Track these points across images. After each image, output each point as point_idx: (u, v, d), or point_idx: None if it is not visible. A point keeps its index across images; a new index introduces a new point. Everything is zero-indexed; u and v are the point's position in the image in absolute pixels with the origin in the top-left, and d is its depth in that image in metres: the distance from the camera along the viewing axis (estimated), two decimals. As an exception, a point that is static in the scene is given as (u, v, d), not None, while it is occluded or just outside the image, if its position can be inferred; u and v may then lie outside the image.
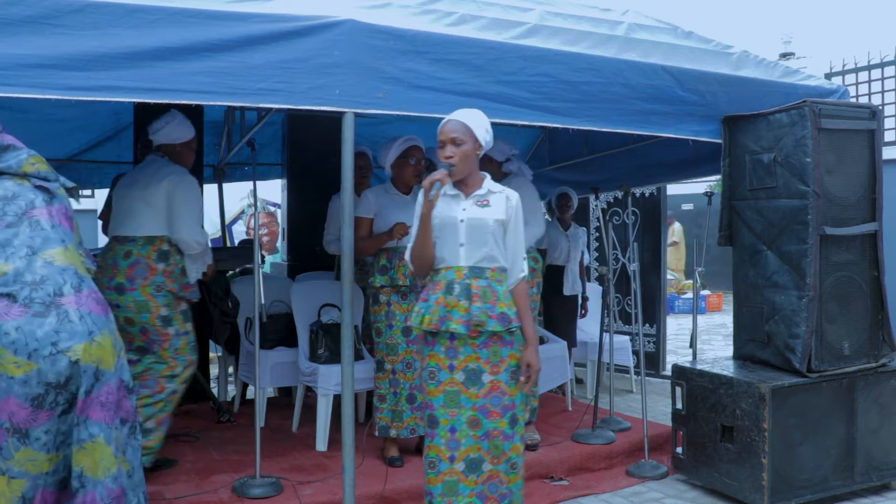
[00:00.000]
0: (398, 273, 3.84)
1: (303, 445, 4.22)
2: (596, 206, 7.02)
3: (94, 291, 2.39)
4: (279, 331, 4.68)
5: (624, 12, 3.75)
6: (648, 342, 6.76)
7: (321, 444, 4.16)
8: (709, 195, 5.31)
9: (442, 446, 2.64)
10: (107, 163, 6.08)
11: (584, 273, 6.02)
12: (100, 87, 2.56)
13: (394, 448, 3.95)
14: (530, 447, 4.07)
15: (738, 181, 3.91)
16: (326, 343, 4.24)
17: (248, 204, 11.07)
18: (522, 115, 3.34)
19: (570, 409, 5.16)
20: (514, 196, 2.78)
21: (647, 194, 6.74)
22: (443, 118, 2.84)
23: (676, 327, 10.37)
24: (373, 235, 3.92)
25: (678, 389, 3.89)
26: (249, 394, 5.35)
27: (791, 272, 3.63)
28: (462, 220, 2.68)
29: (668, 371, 5.37)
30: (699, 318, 5.71)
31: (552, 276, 5.40)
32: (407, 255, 2.77)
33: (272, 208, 9.72)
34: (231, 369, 5.42)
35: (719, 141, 3.93)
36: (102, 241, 5.38)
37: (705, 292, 12.93)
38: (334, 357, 4.15)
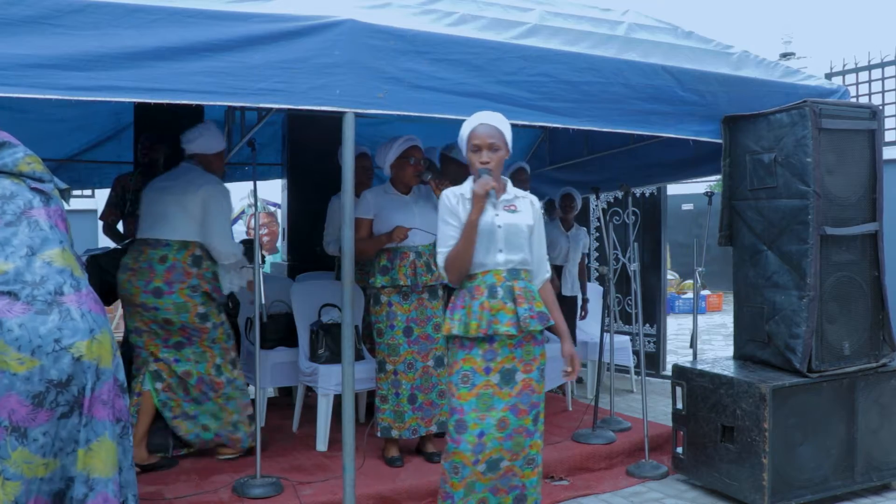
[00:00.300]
0: (399, 273, 3.84)
1: (303, 445, 4.22)
2: (596, 206, 7.01)
3: (92, 291, 2.41)
4: (279, 331, 4.69)
5: (624, 12, 3.75)
6: (649, 342, 6.76)
7: (321, 444, 4.16)
8: (709, 195, 5.31)
9: (468, 452, 2.63)
10: (107, 163, 6.08)
11: (585, 274, 6.02)
12: (100, 87, 2.56)
13: (394, 448, 3.95)
14: None
15: (739, 181, 3.91)
16: (327, 343, 4.24)
17: (248, 204, 11.08)
18: (522, 115, 3.33)
19: (571, 409, 5.16)
20: (535, 201, 2.86)
21: (647, 194, 6.74)
22: (443, 118, 2.84)
23: (676, 327, 10.37)
24: (372, 237, 3.92)
25: (678, 389, 3.89)
26: (250, 393, 5.34)
27: (791, 272, 3.63)
28: (500, 226, 2.69)
29: (668, 371, 5.37)
30: (699, 318, 5.71)
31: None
32: (441, 261, 2.71)
33: (272, 208, 9.74)
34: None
35: (719, 141, 3.93)
36: (103, 241, 5.40)
37: (705, 292, 12.93)
38: (334, 357, 4.15)
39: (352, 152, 3.00)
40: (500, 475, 2.68)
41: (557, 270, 5.53)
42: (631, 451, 4.30)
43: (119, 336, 5.84)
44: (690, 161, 4.90)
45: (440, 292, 4.00)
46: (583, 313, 5.91)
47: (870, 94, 6.26)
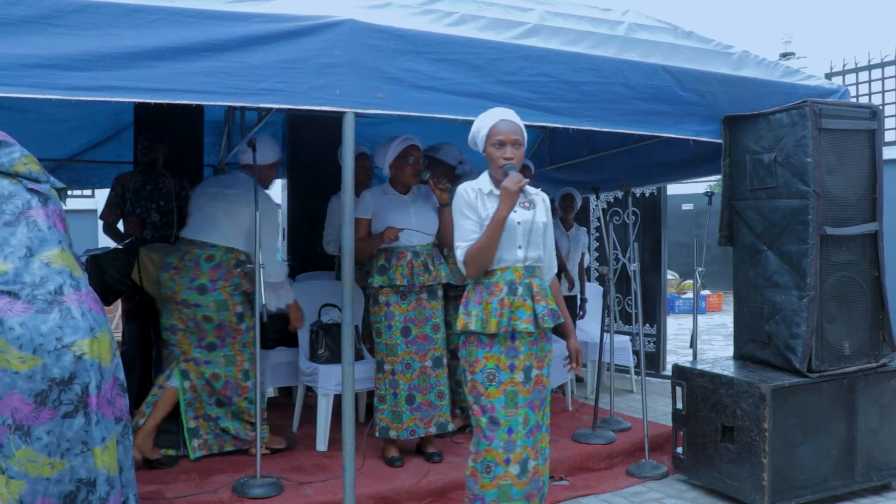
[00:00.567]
0: (396, 273, 3.84)
1: (303, 445, 4.22)
2: (596, 206, 7.02)
3: (91, 291, 2.42)
4: (279, 331, 4.68)
5: (624, 12, 3.75)
6: (649, 342, 6.76)
7: (321, 444, 4.16)
8: (709, 195, 5.31)
9: (500, 449, 2.64)
10: (107, 163, 6.08)
11: (584, 274, 6.02)
12: (100, 87, 2.57)
13: (394, 448, 3.95)
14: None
15: (739, 181, 3.91)
16: (327, 343, 4.24)
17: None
18: (523, 115, 3.29)
19: (571, 408, 5.16)
20: (546, 198, 2.87)
21: (647, 194, 6.74)
22: (444, 118, 2.84)
23: (676, 327, 10.37)
24: (370, 237, 3.92)
25: (678, 389, 3.89)
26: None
27: (791, 272, 3.63)
28: (519, 223, 2.70)
29: (668, 371, 5.37)
30: (699, 318, 5.71)
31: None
32: (462, 254, 2.68)
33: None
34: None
35: (719, 141, 3.93)
36: (103, 241, 5.40)
37: (705, 292, 12.94)
38: (334, 357, 4.15)
39: (352, 152, 2.99)
40: (531, 478, 2.70)
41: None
42: (631, 451, 4.30)
43: (119, 336, 5.86)
44: (690, 161, 4.90)
45: (439, 293, 4.00)
46: (581, 312, 5.91)
47: (870, 94, 6.26)
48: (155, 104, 2.72)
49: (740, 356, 3.96)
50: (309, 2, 2.95)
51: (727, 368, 3.76)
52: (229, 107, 4.51)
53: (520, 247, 2.70)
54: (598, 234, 7.00)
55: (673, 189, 8.71)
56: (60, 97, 2.52)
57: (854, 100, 5.61)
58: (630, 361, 6.23)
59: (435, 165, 4.36)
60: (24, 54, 2.45)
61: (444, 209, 3.90)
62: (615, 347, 4.72)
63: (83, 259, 2.73)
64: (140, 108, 5.00)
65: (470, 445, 2.76)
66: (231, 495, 3.44)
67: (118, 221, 5.05)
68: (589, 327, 5.97)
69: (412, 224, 3.88)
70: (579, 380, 6.32)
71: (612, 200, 7.07)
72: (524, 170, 5.05)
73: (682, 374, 3.88)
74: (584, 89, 3.44)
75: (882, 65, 6.20)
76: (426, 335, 3.90)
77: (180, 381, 3.87)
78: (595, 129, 3.58)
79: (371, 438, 4.04)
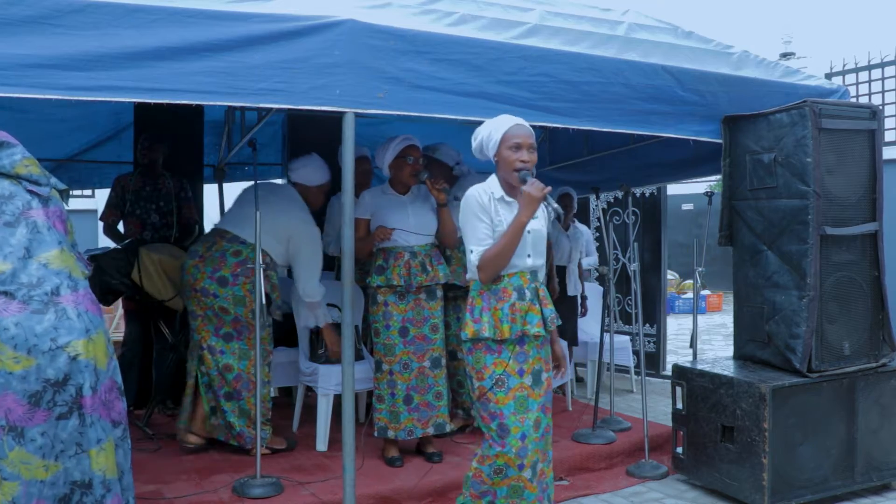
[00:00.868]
0: (393, 273, 3.84)
1: (303, 445, 4.22)
2: (596, 206, 7.02)
3: (89, 292, 2.41)
4: (279, 331, 4.69)
5: (624, 12, 3.75)
6: (649, 342, 6.76)
7: (321, 444, 4.16)
8: (709, 195, 5.31)
9: (512, 455, 2.63)
10: (107, 163, 6.08)
11: (582, 272, 6.02)
12: (100, 87, 2.57)
13: (394, 448, 3.95)
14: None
15: (739, 181, 3.91)
16: (326, 343, 4.24)
17: (248, 204, 11.06)
18: (522, 115, 3.28)
19: (571, 408, 5.16)
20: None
21: (647, 194, 6.74)
22: (444, 118, 2.84)
23: (676, 327, 10.37)
24: (368, 237, 3.93)
25: (678, 389, 3.89)
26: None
27: (791, 272, 3.63)
28: (529, 232, 2.70)
29: (668, 371, 5.37)
30: (699, 318, 5.71)
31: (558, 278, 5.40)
32: (476, 258, 2.65)
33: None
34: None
35: (719, 141, 3.93)
36: (103, 241, 5.41)
37: (705, 292, 12.94)
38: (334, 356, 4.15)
39: (352, 152, 2.99)
40: (538, 480, 2.70)
41: (561, 271, 5.52)
42: (631, 451, 4.30)
43: (119, 336, 5.86)
44: (690, 161, 4.89)
45: (438, 293, 3.99)
46: (583, 310, 5.91)
47: (870, 94, 6.26)
48: (155, 104, 2.72)
49: (740, 356, 3.96)
50: (309, 2, 2.95)
51: (727, 368, 3.76)
52: (229, 107, 4.51)
53: (529, 255, 2.72)
54: (598, 234, 7.00)
55: (673, 189, 8.71)
56: (60, 97, 2.52)
57: (854, 100, 5.61)
58: (630, 361, 6.23)
59: (433, 165, 4.36)
60: (24, 54, 2.45)
61: (442, 209, 3.90)
62: (615, 347, 4.72)
63: (86, 257, 2.73)
64: (140, 108, 5.01)
65: (476, 447, 2.75)
66: (231, 495, 3.44)
67: (118, 222, 5.05)
68: (589, 327, 5.97)
69: (410, 224, 3.88)
70: (579, 380, 6.32)
71: (612, 200, 7.07)
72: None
73: (682, 374, 3.88)
74: (584, 89, 3.44)
75: (882, 65, 6.20)
76: (424, 335, 3.90)
77: (198, 368, 3.96)
78: (595, 129, 3.58)
79: (371, 438, 4.04)
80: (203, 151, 5.64)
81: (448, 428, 4.00)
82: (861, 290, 3.75)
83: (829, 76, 6.28)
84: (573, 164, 5.82)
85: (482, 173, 4.05)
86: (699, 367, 3.83)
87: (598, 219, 6.87)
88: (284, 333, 4.69)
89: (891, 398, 3.79)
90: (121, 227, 5.08)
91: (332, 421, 4.17)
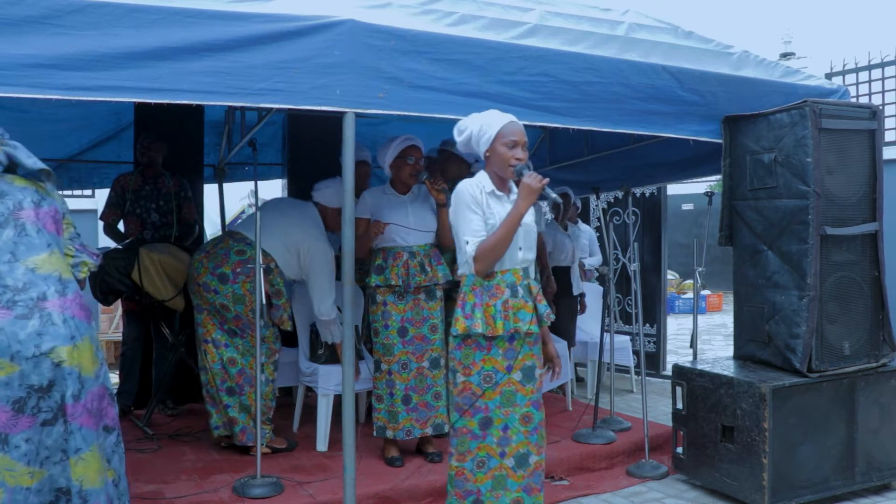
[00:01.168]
0: (392, 273, 3.84)
1: (303, 445, 4.22)
2: (596, 206, 7.02)
3: (79, 296, 2.37)
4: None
5: (624, 12, 3.75)
6: (649, 342, 6.76)
7: (322, 444, 4.16)
8: (709, 195, 5.31)
9: (493, 444, 2.66)
10: (107, 163, 6.08)
11: (583, 271, 6.02)
12: (100, 87, 2.56)
13: (394, 448, 3.95)
14: None
15: (739, 181, 3.91)
16: (326, 343, 4.24)
17: (248, 204, 11.08)
18: (523, 115, 3.32)
19: (571, 408, 5.16)
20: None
21: (647, 194, 6.75)
22: (444, 118, 2.84)
23: (676, 327, 10.38)
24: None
25: (678, 389, 3.89)
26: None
27: (791, 272, 3.63)
28: (520, 225, 2.71)
29: (668, 371, 5.38)
30: (699, 318, 5.71)
31: (559, 278, 5.40)
32: (472, 249, 2.66)
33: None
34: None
35: (720, 141, 3.93)
36: (103, 240, 5.41)
37: (705, 292, 12.94)
38: (334, 357, 4.15)
39: (352, 152, 2.99)
40: (532, 472, 2.70)
41: (565, 271, 5.51)
42: (631, 450, 4.30)
43: (119, 336, 5.85)
44: (690, 161, 4.89)
45: (438, 293, 3.99)
46: (581, 308, 5.91)
47: (870, 94, 6.26)
48: (155, 104, 2.71)
49: (740, 356, 3.96)
50: (309, 2, 2.95)
51: (727, 368, 3.76)
52: (229, 107, 4.51)
53: (520, 248, 2.73)
54: (598, 234, 7.00)
55: (673, 189, 8.71)
56: (60, 97, 2.52)
57: (854, 100, 5.61)
58: (630, 361, 6.23)
59: (451, 161, 4.32)
60: (24, 54, 2.45)
61: (441, 210, 3.90)
62: (615, 347, 4.72)
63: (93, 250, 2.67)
64: (140, 108, 5.00)
65: (451, 448, 2.74)
66: (231, 495, 3.44)
67: (118, 222, 5.05)
68: (589, 327, 5.97)
69: (411, 224, 3.88)
70: (579, 380, 6.32)
71: (612, 200, 7.07)
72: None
73: (682, 374, 3.88)
74: (584, 89, 3.44)
75: (882, 65, 6.20)
76: (423, 336, 3.90)
77: (201, 362, 4.02)
78: (595, 129, 3.57)
79: (371, 438, 4.04)
80: (203, 151, 5.64)
81: (447, 428, 3.99)
82: (861, 290, 3.75)
83: (829, 76, 6.27)
84: (573, 164, 5.82)
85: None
86: (699, 367, 3.83)
87: (598, 219, 6.87)
88: (284, 333, 4.68)
89: (891, 398, 3.79)
90: (121, 226, 5.07)
91: (331, 421, 4.17)
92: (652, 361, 6.66)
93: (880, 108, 4.18)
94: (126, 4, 2.58)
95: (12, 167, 2.45)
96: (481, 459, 2.67)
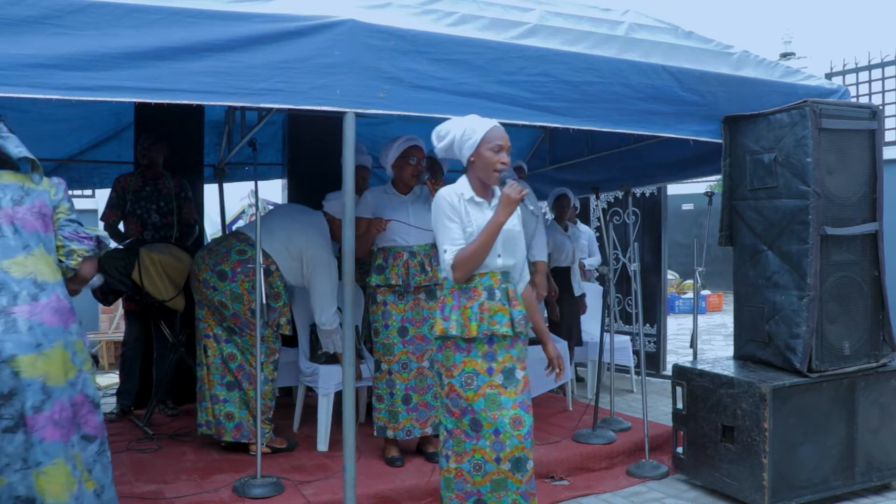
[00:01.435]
0: (392, 273, 3.85)
1: (303, 445, 4.22)
2: (596, 206, 7.02)
3: (56, 300, 2.28)
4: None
5: (624, 12, 3.75)
6: (649, 342, 6.76)
7: (322, 444, 4.16)
8: (709, 195, 5.31)
9: (487, 448, 2.65)
10: (107, 163, 6.08)
11: (584, 271, 6.01)
12: (100, 87, 2.56)
13: (394, 448, 3.95)
14: None
15: (739, 181, 3.91)
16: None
17: (248, 204, 11.09)
18: (523, 115, 3.33)
19: (571, 408, 5.16)
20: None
21: (647, 194, 6.75)
22: (444, 118, 2.83)
23: (677, 327, 10.38)
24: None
25: (679, 389, 3.89)
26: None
27: (791, 272, 3.63)
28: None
29: (668, 371, 5.38)
30: (699, 318, 5.71)
31: (560, 278, 5.40)
32: (451, 258, 2.66)
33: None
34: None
35: (720, 141, 3.93)
36: (103, 241, 5.39)
37: (705, 292, 12.94)
38: (334, 357, 4.15)
39: (352, 152, 2.99)
40: (529, 478, 2.70)
41: (566, 272, 5.51)
42: (631, 450, 4.30)
43: (119, 336, 5.85)
44: (690, 161, 4.90)
45: (438, 293, 3.99)
46: (581, 308, 5.91)
47: (870, 94, 6.26)
48: (155, 104, 2.72)
49: (740, 356, 3.96)
50: (309, 2, 2.95)
51: (727, 368, 3.76)
52: (229, 107, 4.51)
53: (499, 255, 2.73)
54: (598, 235, 7.00)
55: (673, 189, 8.71)
56: (60, 97, 2.52)
57: (854, 100, 5.61)
58: (630, 361, 6.23)
59: (439, 171, 4.35)
60: (24, 54, 2.45)
61: None
62: (615, 347, 4.72)
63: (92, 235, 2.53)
64: (140, 108, 5.00)
65: (446, 451, 2.73)
66: (231, 495, 3.44)
67: (119, 222, 5.05)
68: (589, 327, 5.97)
69: (412, 224, 3.88)
70: (579, 380, 6.33)
71: (612, 200, 7.07)
72: (518, 170, 5.07)
73: (682, 374, 3.88)
74: (584, 89, 3.44)
75: (882, 65, 6.20)
76: (423, 335, 3.90)
77: (200, 357, 4.05)
78: (595, 129, 3.57)
79: (371, 438, 4.04)
80: (203, 151, 5.64)
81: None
82: (861, 290, 3.75)
83: (829, 76, 6.28)
84: (573, 164, 5.83)
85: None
86: (699, 367, 3.83)
87: (598, 219, 6.87)
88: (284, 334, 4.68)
89: (891, 398, 3.79)
90: (121, 227, 5.07)
91: (332, 421, 4.17)
92: (652, 361, 6.66)
93: (880, 108, 4.18)
94: (126, 4, 2.59)
95: (5, 162, 2.39)
96: (477, 462, 2.66)
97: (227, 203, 6.39)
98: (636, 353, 6.19)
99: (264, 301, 3.71)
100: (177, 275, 4.52)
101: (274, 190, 8.13)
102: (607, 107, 3.53)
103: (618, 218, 6.93)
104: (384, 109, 3.02)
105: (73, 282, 2.49)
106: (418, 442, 4.06)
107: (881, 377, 3.76)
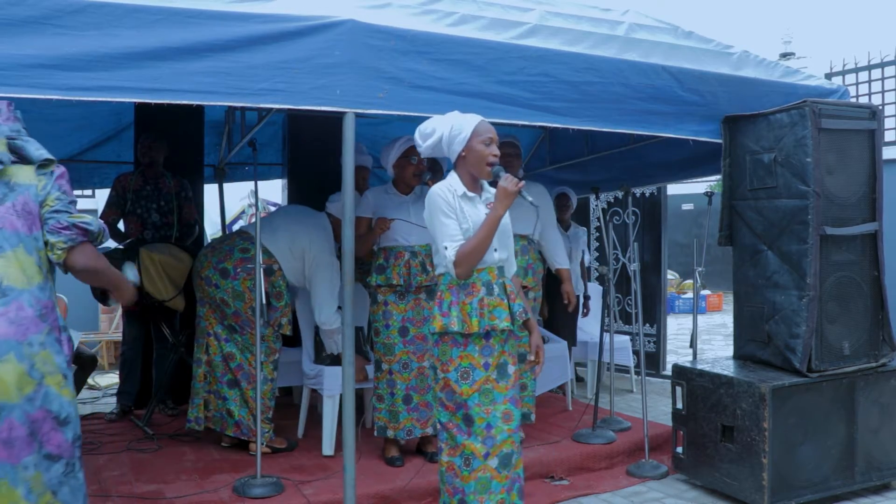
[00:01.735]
0: (393, 273, 3.85)
1: (304, 445, 4.22)
2: (596, 205, 7.02)
3: (16, 309, 2.08)
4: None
5: (624, 12, 3.75)
6: (649, 342, 6.76)
7: (328, 447, 4.05)
8: (709, 195, 5.32)
9: (478, 444, 2.66)
10: (107, 163, 6.08)
11: (586, 272, 6.02)
12: (101, 87, 2.57)
13: (394, 448, 3.95)
14: None
15: (739, 181, 3.91)
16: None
17: (248, 204, 11.08)
18: (523, 115, 3.34)
19: (571, 408, 5.16)
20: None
21: (647, 194, 6.75)
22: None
23: (676, 327, 10.38)
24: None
25: (678, 389, 3.90)
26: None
27: (791, 272, 3.63)
28: None
29: (668, 371, 5.38)
30: (699, 318, 5.71)
31: (557, 278, 5.39)
32: (452, 254, 2.65)
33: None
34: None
35: (719, 141, 3.93)
36: (103, 241, 5.40)
37: (705, 292, 12.94)
38: (339, 359, 4.13)
39: (352, 152, 3.00)
40: (514, 471, 2.71)
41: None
42: (631, 450, 4.30)
43: (119, 336, 5.84)
44: (690, 161, 4.90)
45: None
46: (585, 311, 5.91)
47: (870, 94, 6.26)
48: (155, 104, 2.72)
49: (740, 356, 3.96)
50: (309, 2, 2.95)
51: (727, 368, 3.76)
52: (229, 107, 4.51)
53: (495, 249, 2.74)
54: (598, 234, 7.00)
55: (673, 189, 8.72)
56: (61, 97, 2.53)
57: (854, 100, 5.62)
58: (630, 361, 6.23)
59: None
60: (24, 54, 2.46)
61: None
62: (615, 347, 4.73)
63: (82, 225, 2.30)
64: (140, 108, 5.01)
65: (440, 444, 2.75)
66: (231, 495, 3.44)
67: (118, 221, 5.05)
68: (589, 327, 5.98)
69: (411, 224, 3.88)
70: (579, 380, 6.33)
71: (612, 200, 7.07)
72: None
73: (682, 374, 3.88)
74: (584, 89, 3.44)
75: (882, 65, 6.20)
76: (424, 335, 3.90)
77: (202, 354, 4.05)
78: (595, 129, 3.58)
79: (371, 438, 4.04)
80: (203, 151, 5.65)
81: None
82: (861, 290, 3.75)
83: (829, 76, 6.28)
84: (573, 164, 5.83)
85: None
86: (699, 366, 3.83)
87: (598, 219, 6.87)
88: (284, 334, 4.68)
89: (891, 398, 3.79)
90: (121, 225, 5.08)
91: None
92: (652, 361, 6.67)
93: (880, 108, 4.18)
94: (127, 5, 2.59)
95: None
96: (467, 457, 2.68)
97: (227, 203, 6.40)
98: (636, 353, 6.19)
99: (265, 300, 3.72)
100: (177, 275, 4.52)
101: (274, 190, 8.13)
102: (607, 107, 3.53)
103: (618, 218, 6.93)
104: (384, 109, 3.02)
105: (86, 278, 2.33)
106: (418, 442, 4.06)
107: (881, 377, 3.76)
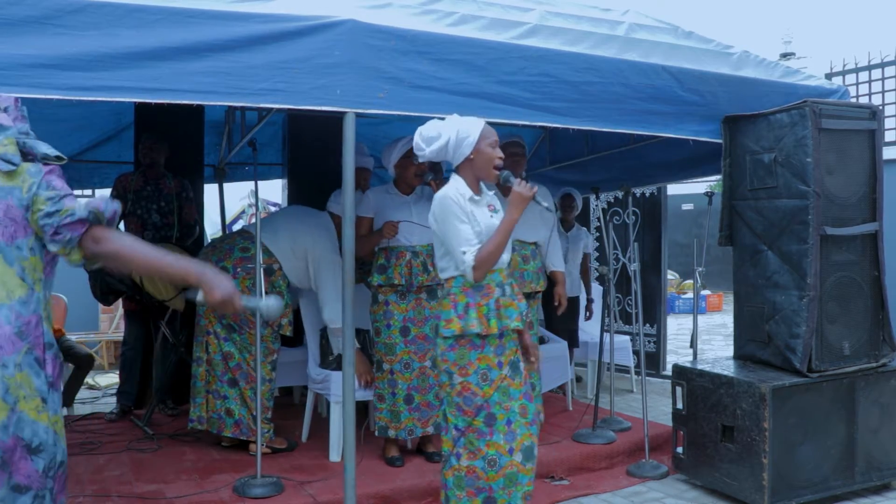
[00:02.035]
0: (395, 272, 3.84)
1: (304, 445, 4.22)
2: (596, 205, 7.02)
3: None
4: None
5: (624, 12, 3.75)
6: (649, 342, 6.76)
7: (335, 454, 3.96)
8: (709, 195, 5.32)
9: (501, 441, 2.69)
10: (107, 163, 6.08)
11: (588, 274, 6.00)
12: (101, 87, 2.57)
13: (394, 448, 3.95)
14: None
15: (739, 181, 3.91)
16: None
17: (248, 204, 11.08)
18: (523, 115, 3.34)
19: (571, 408, 5.16)
20: (496, 201, 2.94)
21: (647, 194, 6.75)
22: (444, 118, 2.84)
23: (676, 327, 10.38)
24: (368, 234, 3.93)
25: (679, 389, 3.90)
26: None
27: (791, 272, 3.63)
28: None
29: (668, 371, 5.38)
30: (699, 318, 5.71)
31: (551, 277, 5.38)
32: (472, 258, 2.66)
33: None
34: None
35: (719, 141, 3.93)
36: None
37: (705, 292, 12.94)
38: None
39: (352, 152, 3.00)
40: (535, 463, 2.76)
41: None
42: (631, 450, 4.30)
43: (119, 335, 5.84)
44: (690, 161, 4.90)
45: (440, 293, 3.98)
46: (588, 314, 5.91)
47: (870, 94, 6.26)
48: (155, 104, 2.72)
49: (740, 356, 3.96)
50: (309, 2, 2.95)
51: (727, 368, 3.76)
52: (229, 107, 4.51)
53: (504, 252, 2.77)
54: (598, 234, 7.00)
55: (673, 189, 8.72)
56: (61, 97, 2.53)
57: (854, 100, 5.62)
58: (630, 361, 6.23)
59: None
60: (24, 54, 2.45)
61: None
62: (615, 347, 4.72)
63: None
64: (140, 108, 5.00)
65: (457, 449, 2.72)
66: (232, 495, 3.44)
67: (119, 222, 5.05)
68: (589, 327, 5.98)
69: (413, 224, 3.88)
70: (579, 380, 6.33)
71: (612, 200, 7.07)
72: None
73: (682, 374, 3.88)
74: (584, 89, 3.44)
75: (882, 65, 6.20)
76: (426, 335, 3.90)
77: (198, 353, 4.06)
78: (595, 129, 3.58)
79: (371, 438, 4.03)
80: (203, 151, 5.64)
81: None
82: (861, 290, 3.75)
83: (829, 76, 6.28)
84: (573, 164, 5.83)
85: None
86: (699, 367, 3.83)
87: (598, 219, 6.87)
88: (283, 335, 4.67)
89: (891, 398, 3.79)
90: (121, 226, 5.08)
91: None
92: (652, 361, 6.67)
93: (880, 108, 4.18)
94: (127, 4, 2.59)
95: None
96: (492, 458, 2.69)
97: (227, 203, 6.40)
98: (636, 353, 6.19)
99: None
100: (177, 275, 4.52)
101: (274, 190, 8.14)
102: (607, 107, 3.53)
103: (618, 218, 6.93)
104: (384, 109, 3.02)
105: (117, 265, 2.17)
106: (418, 441, 4.06)
107: (881, 377, 3.76)
